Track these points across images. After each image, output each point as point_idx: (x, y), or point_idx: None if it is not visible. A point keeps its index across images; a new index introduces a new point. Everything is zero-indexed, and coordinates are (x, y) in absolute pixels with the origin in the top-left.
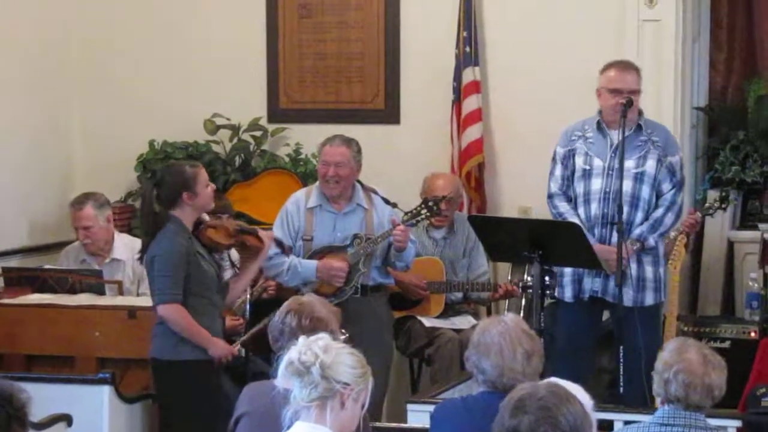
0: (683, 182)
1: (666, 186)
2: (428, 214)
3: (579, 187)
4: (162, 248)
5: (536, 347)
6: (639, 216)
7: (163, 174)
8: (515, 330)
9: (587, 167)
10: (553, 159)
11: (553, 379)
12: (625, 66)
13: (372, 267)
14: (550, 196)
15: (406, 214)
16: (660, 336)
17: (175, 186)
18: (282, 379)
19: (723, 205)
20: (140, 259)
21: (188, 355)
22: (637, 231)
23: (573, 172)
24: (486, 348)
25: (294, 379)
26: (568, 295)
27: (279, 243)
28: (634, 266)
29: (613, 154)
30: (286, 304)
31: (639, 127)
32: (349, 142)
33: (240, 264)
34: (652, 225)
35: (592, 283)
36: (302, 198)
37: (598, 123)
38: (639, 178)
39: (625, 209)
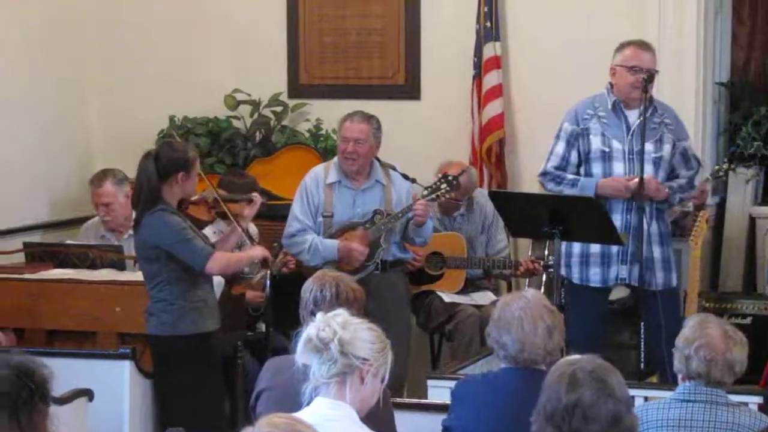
0: (700, 166)
1: (683, 172)
2: (447, 188)
3: (596, 169)
4: (162, 228)
5: (557, 322)
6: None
7: (164, 148)
8: (536, 305)
9: (606, 149)
10: (557, 136)
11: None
12: (643, 45)
13: (391, 242)
14: (544, 174)
15: (425, 189)
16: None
17: (176, 162)
18: (301, 355)
19: (732, 166)
20: (134, 227)
21: (188, 330)
22: (673, 183)
23: (588, 153)
24: (507, 323)
25: (313, 355)
26: (595, 279)
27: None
28: (658, 249)
29: (630, 137)
30: (319, 275)
31: (654, 109)
32: (370, 119)
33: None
34: (683, 186)
35: (619, 270)
36: (321, 173)
37: (615, 103)
38: (657, 162)
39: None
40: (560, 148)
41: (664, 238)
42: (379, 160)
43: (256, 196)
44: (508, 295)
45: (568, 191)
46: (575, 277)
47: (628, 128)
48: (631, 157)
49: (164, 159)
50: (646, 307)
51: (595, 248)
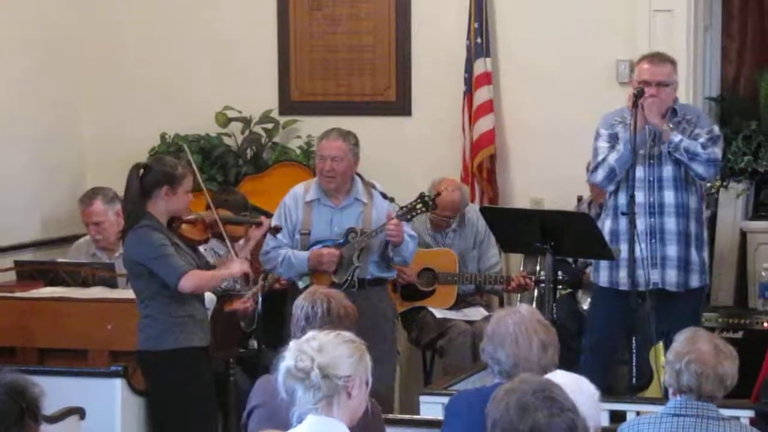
0: (717, 138)
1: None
2: (423, 209)
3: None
4: (141, 245)
5: (552, 338)
6: (684, 197)
7: (154, 162)
8: (531, 320)
9: None
10: (598, 137)
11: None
12: (657, 58)
13: (369, 261)
14: (595, 169)
15: (401, 208)
16: (701, 321)
17: (160, 176)
18: (284, 385)
19: (724, 184)
20: (121, 238)
21: (171, 345)
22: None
23: None
24: (501, 338)
25: (296, 384)
26: (624, 282)
27: (275, 229)
28: (675, 248)
29: (652, 143)
30: (311, 291)
31: (674, 112)
32: (346, 136)
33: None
34: (690, 139)
35: (649, 275)
36: (300, 192)
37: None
38: (678, 161)
39: (671, 193)
40: (603, 143)
41: (681, 237)
42: (362, 178)
43: (265, 219)
44: (503, 310)
45: (613, 156)
46: (603, 281)
47: (650, 135)
48: (651, 161)
49: (152, 172)
50: (662, 310)
51: (623, 252)
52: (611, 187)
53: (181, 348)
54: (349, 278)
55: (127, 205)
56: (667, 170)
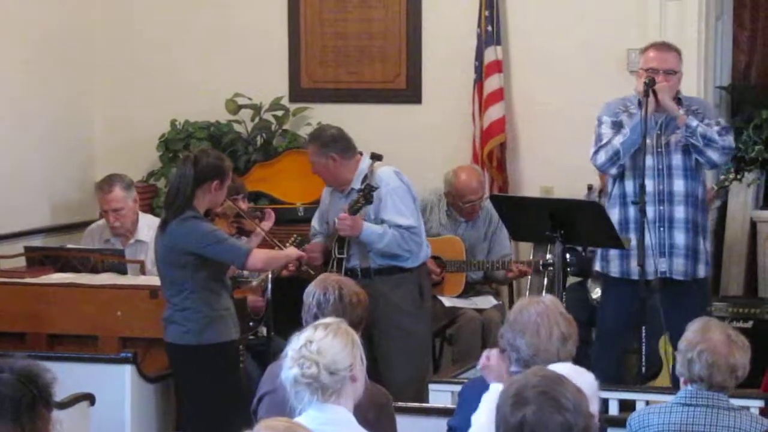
0: (729, 128)
1: None
2: (364, 202)
3: (628, 161)
4: (195, 233)
5: (573, 331)
6: (693, 186)
7: (202, 155)
8: (553, 311)
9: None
10: (600, 124)
11: (538, 367)
12: (663, 46)
13: (367, 252)
14: (596, 152)
15: (350, 201)
16: (709, 311)
17: (212, 170)
18: (293, 393)
19: (738, 176)
20: (160, 230)
21: (214, 339)
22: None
23: None
24: (523, 327)
25: (305, 390)
26: (636, 271)
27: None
28: (683, 236)
29: (659, 132)
30: (322, 278)
31: (679, 102)
32: (313, 139)
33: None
34: (701, 124)
35: (657, 264)
36: None
37: (640, 102)
38: (686, 150)
39: (680, 182)
40: (606, 129)
41: (689, 225)
42: (372, 166)
43: (269, 212)
44: (526, 298)
45: (618, 139)
46: (615, 271)
47: (656, 124)
48: (659, 150)
49: (202, 164)
50: (669, 300)
51: (633, 241)
52: (613, 171)
53: (223, 342)
54: (332, 269)
55: (178, 195)
56: (677, 159)
